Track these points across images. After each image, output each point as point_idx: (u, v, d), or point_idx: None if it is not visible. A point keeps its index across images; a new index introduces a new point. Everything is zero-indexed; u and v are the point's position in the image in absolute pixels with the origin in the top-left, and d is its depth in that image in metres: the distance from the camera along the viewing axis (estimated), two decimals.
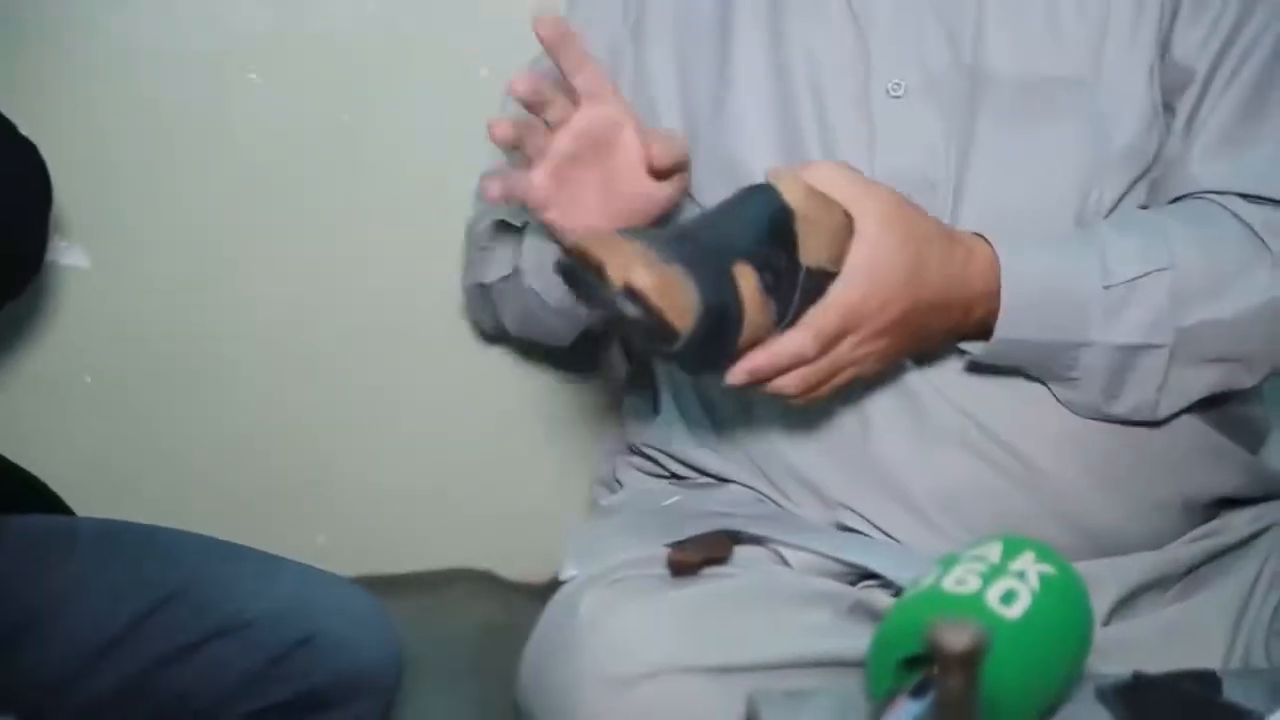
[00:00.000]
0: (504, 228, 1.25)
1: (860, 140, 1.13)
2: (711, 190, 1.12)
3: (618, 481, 1.30)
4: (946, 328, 1.07)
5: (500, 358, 1.55)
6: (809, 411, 1.13)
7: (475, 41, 1.49)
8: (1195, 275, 1.08)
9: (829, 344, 1.01)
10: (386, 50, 1.49)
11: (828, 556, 1.11)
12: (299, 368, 1.54)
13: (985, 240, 1.07)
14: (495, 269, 1.27)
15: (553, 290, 1.19)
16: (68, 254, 1.47)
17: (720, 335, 0.95)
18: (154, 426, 1.53)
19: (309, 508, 1.55)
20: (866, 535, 1.15)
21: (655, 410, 1.28)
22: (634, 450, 1.30)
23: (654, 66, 1.21)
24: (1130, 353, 1.08)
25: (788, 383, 1.02)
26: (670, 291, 0.91)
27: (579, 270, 0.94)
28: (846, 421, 1.14)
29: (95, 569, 1.19)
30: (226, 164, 1.49)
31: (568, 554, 1.15)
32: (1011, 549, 0.89)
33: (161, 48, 1.46)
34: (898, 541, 1.14)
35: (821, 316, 1.00)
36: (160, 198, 1.49)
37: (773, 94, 1.17)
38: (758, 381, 1.00)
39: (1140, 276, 1.07)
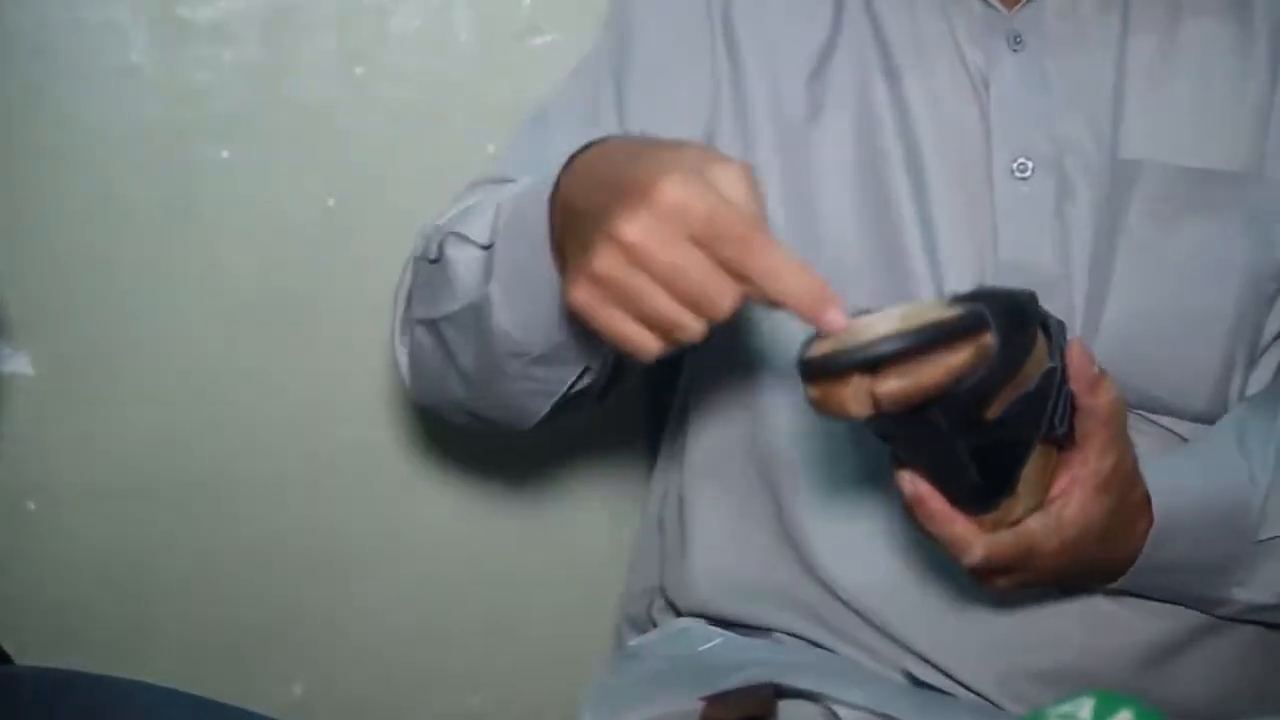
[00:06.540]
0: (461, 244, 1.12)
1: (975, 224, 1.16)
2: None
3: (651, 620, 1.30)
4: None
5: (511, 474, 1.55)
6: (876, 540, 1.15)
7: (480, 114, 1.51)
8: None
9: (994, 567, 1.03)
10: (377, 124, 1.51)
11: (889, 718, 1.10)
12: (275, 492, 1.54)
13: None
14: (452, 298, 1.12)
15: (534, 331, 1.07)
16: (10, 361, 1.49)
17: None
18: (107, 560, 1.53)
19: (284, 654, 1.56)
20: (937, 688, 1.15)
21: (684, 548, 1.27)
22: (664, 594, 1.30)
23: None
24: (1269, 609, 1.14)
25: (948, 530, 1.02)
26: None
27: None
28: (923, 551, 1.14)
29: None
30: (195, 253, 1.51)
31: (584, 707, 1.16)
32: (1106, 706, 0.87)
33: (119, 123, 1.48)
34: (977, 695, 1.14)
35: (1007, 540, 1.02)
36: (118, 294, 1.51)
37: (858, 158, 1.18)
38: (914, 514, 1.01)
39: None
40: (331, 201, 1.51)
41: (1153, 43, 1.17)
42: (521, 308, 1.06)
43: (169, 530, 1.53)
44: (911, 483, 0.99)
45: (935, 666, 1.15)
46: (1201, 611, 1.14)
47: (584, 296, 0.92)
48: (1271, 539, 1.11)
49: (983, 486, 1.00)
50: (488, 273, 1.08)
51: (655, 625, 1.29)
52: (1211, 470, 1.12)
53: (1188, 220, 1.15)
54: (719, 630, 1.23)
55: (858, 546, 1.17)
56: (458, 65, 1.51)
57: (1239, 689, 1.17)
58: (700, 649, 1.21)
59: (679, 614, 1.27)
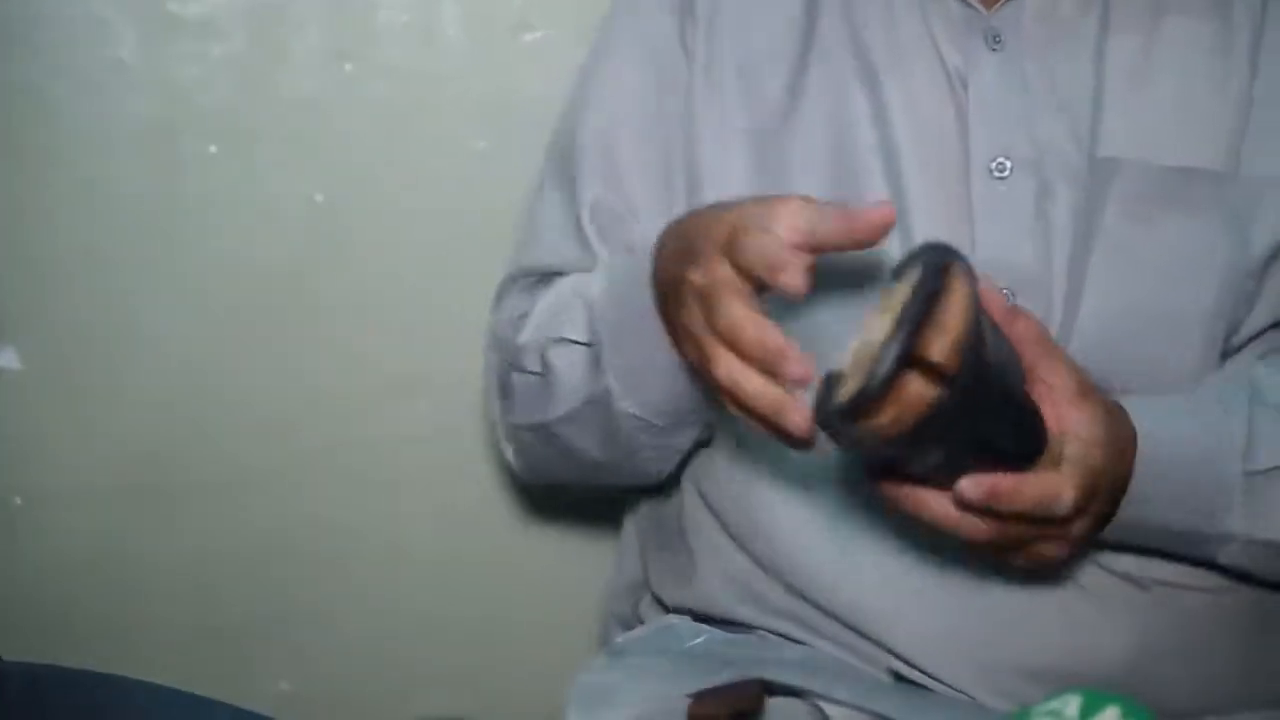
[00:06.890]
0: (564, 347, 1.18)
1: (953, 224, 1.15)
2: None
3: (637, 617, 1.30)
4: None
5: (503, 473, 1.55)
6: (865, 537, 1.14)
7: (470, 110, 1.51)
8: None
9: (1080, 505, 1.02)
10: (366, 120, 1.50)
11: (877, 714, 1.10)
12: (264, 488, 1.54)
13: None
14: (562, 400, 1.18)
15: (660, 406, 1.13)
16: None
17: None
18: (94, 556, 1.53)
19: (272, 650, 1.56)
20: (923, 686, 1.15)
21: (680, 551, 1.26)
22: (652, 590, 1.29)
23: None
24: (1272, 548, 1.12)
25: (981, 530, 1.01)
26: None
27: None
28: (918, 554, 1.13)
29: None
30: (182, 248, 1.51)
31: (570, 704, 1.15)
32: (1092, 703, 0.87)
33: (108, 118, 1.48)
34: (964, 694, 1.14)
35: (1076, 469, 1.02)
36: (105, 288, 1.50)
37: (834, 160, 1.18)
38: (995, 507, 0.99)
39: None
40: (319, 197, 1.50)
41: (1133, 42, 1.16)
42: (642, 388, 1.13)
43: (156, 526, 1.53)
44: (975, 484, 0.97)
45: (917, 667, 1.14)
46: (1204, 561, 1.12)
47: (685, 351, 1.04)
48: (1269, 470, 1.09)
49: (1030, 427, 1.00)
50: (596, 367, 1.14)
51: (641, 622, 1.28)
52: (1190, 404, 1.11)
53: (1167, 219, 1.14)
54: (705, 627, 1.23)
55: (836, 550, 1.16)
56: (447, 61, 1.50)
57: (1223, 685, 1.16)
58: (687, 645, 1.21)
59: (666, 610, 1.27)
